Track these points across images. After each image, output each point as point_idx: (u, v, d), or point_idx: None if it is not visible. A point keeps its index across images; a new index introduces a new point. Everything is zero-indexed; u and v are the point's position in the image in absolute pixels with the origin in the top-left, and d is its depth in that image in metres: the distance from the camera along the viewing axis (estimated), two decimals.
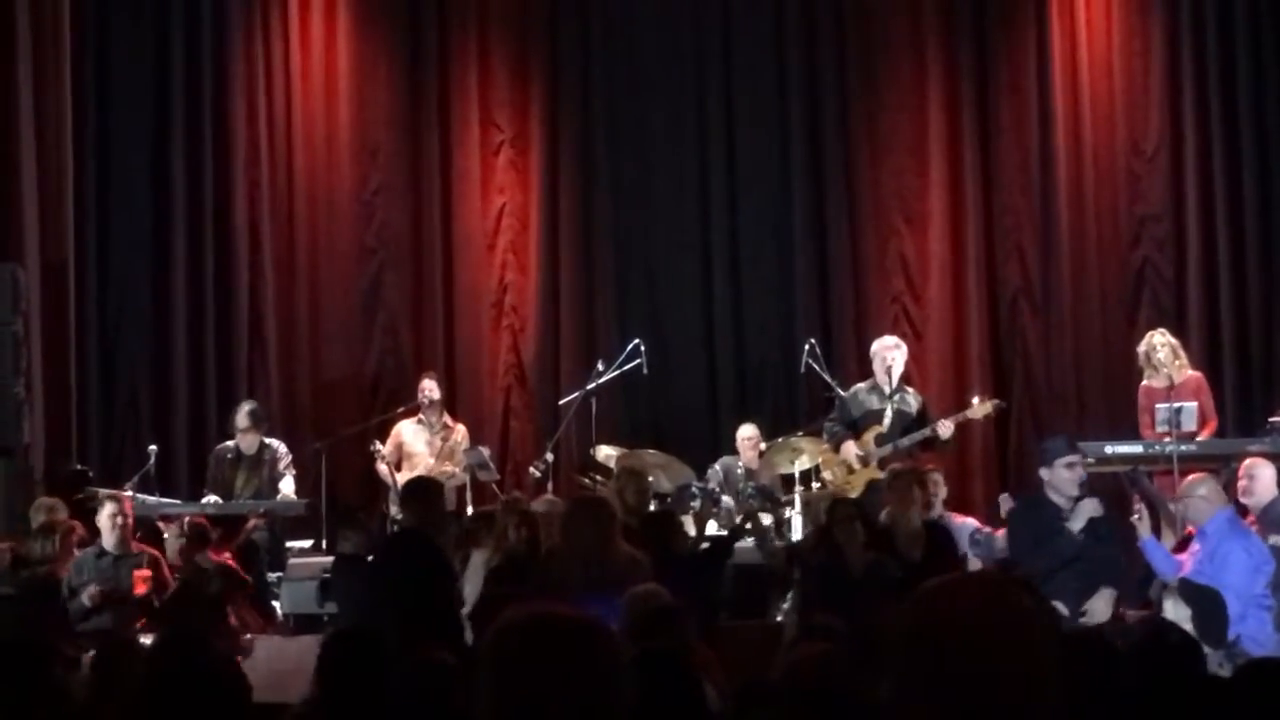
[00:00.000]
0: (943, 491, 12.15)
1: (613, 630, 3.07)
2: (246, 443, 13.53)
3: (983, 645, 2.63)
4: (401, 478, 13.65)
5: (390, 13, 15.90)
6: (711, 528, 12.24)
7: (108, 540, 11.25)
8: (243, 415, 13.59)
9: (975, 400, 13.52)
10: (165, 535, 11.84)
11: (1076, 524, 10.05)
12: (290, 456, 13.65)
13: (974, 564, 11.27)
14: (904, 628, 2.72)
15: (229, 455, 13.59)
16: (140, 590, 10.96)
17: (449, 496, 13.53)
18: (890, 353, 13.28)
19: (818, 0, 15.83)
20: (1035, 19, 15.51)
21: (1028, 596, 2.73)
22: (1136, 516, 10.91)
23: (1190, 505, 10.36)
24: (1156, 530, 11.70)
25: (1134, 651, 5.46)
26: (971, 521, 11.97)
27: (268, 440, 13.65)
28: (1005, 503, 11.85)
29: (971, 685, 2.62)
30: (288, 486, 13.44)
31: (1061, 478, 10.21)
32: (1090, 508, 10.16)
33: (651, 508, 11.40)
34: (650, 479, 11.98)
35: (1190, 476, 10.71)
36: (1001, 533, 11.62)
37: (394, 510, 13.35)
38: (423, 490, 9.73)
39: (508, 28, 15.95)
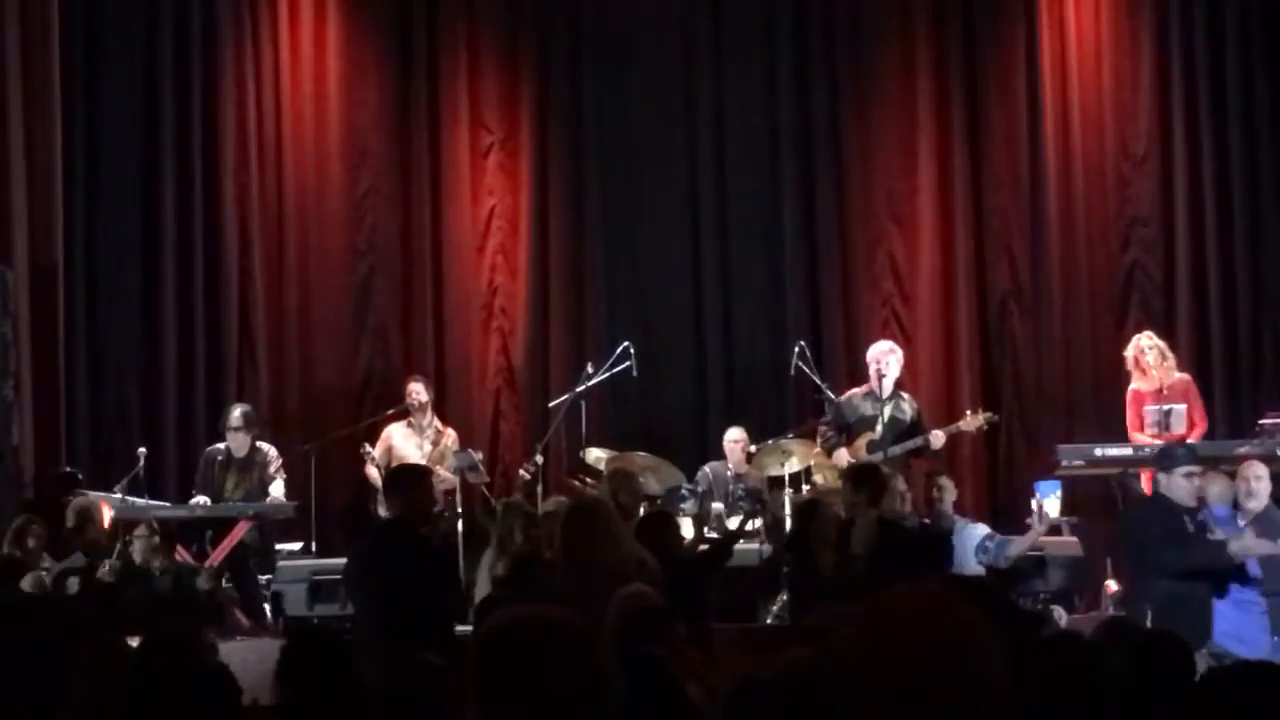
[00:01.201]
0: (951, 494, 12.11)
1: (596, 632, 3.08)
2: (237, 444, 13.51)
3: (916, 661, 2.62)
4: None
5: (380, 16, 15.89)
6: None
7: None
8: (236, 415, 13.58)
9: (968, 413, 13.54)
10: (131, 536, 11.79)
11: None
12: (280, 460, 13.63)
13: (976, 570, 11.22)
14: (842, 647, 2.71)
15: (219, 458, 13.57)
16: None
17: (437, 500, 13.56)
18: (885, 358, 13.32)
19: (808, 2, 15.85)
20: (1024, 21, 15.52)
21: (969, 607, 2.72)
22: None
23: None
24: None
25: (1124, 652, 5.45)
26: (982, 528, 11.90)
27: (258, 444, 13.64)
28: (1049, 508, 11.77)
29: (907, 699, 2.61)
30: (278, 490, 13.43)
31: (1179, 486, 10.09)
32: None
33: (642, 510, 11.41)
34: (641, 480, 11.97)
35: (1207, 474, 10.74)
36: (1027, 536, 11.62)
37: (383, 513, 13.34)
38: (406, 478, 9.56)
39: (497, 30, 15.95)
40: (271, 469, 13.51)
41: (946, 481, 11.98)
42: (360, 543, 9.74)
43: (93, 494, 12.77)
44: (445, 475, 13.65)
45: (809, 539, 10.23)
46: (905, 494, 11.53)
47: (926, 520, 11.51)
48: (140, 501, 12.96)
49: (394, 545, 9.00)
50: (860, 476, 10.77)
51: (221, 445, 13.62)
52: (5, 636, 5.01)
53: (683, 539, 10.84)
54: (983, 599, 4.77)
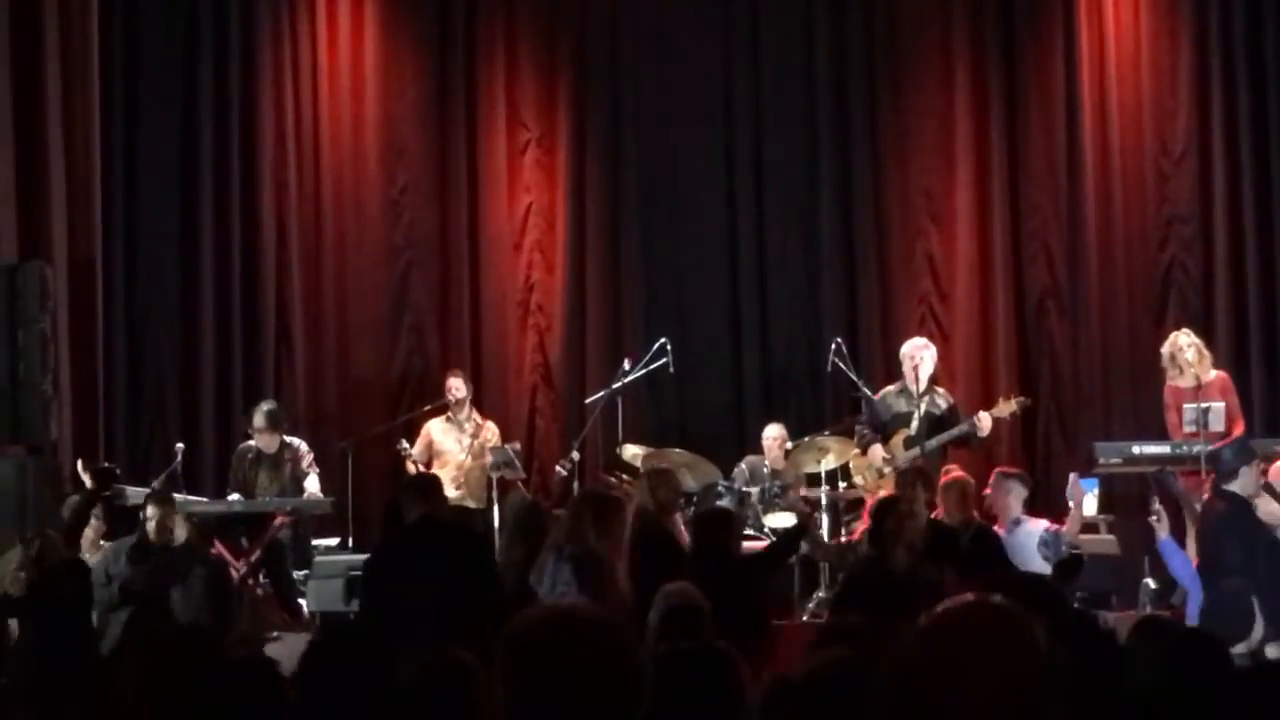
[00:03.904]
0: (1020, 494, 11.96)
1: (631, 627, 3.07)
2: (265, 443, 13.55)
3: (989, 684, 2.61)
4: None
5: (417, 12, 15.91)
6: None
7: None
8: (260, 416, 13.60)
9: (1001, 399, 13.51)
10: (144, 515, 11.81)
11: None
12: (312, 455, 13.66)
13: (1042, 566, 11.13)
14: (901, 659, 2.70)
15: (250, 455, 13.61)
16: None
17: (481, 484, 13.60)
18: (919, 353, 13.28)
19: (847, 0, 15.83)
20: (1062, 19, 15.47)
21: (1038, 627, 2.70)
22: (1155, 518, 10.87)
23: None
24: (1184, 530, 11.69)
25: (1160, 652, 5.42)
26: (1043, 523, 11.82)
27: (288, 439, 13.66)
28: (1075, 484, 11.69)
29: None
30: (313, 485, 13.46)
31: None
32: None
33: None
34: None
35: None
36: (1072, 520, 11.55)
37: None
38: (424, 490, 9.56)
39: (535, 27, 15.96)
40: (304, 464, 13.54)
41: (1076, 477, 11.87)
42: (390, 536, 9.76)
43: (130, 489, 12.81)
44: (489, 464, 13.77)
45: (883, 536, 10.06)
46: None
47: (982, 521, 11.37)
48: (178, 497, 12.98)
49: (429, 540, 9.01)
50: (926, 479, 10.76)
51: (252, 442, 13.66)
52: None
53: (741, 540, 10.77)
54: (1040, 601, 4.76)
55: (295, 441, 13.71)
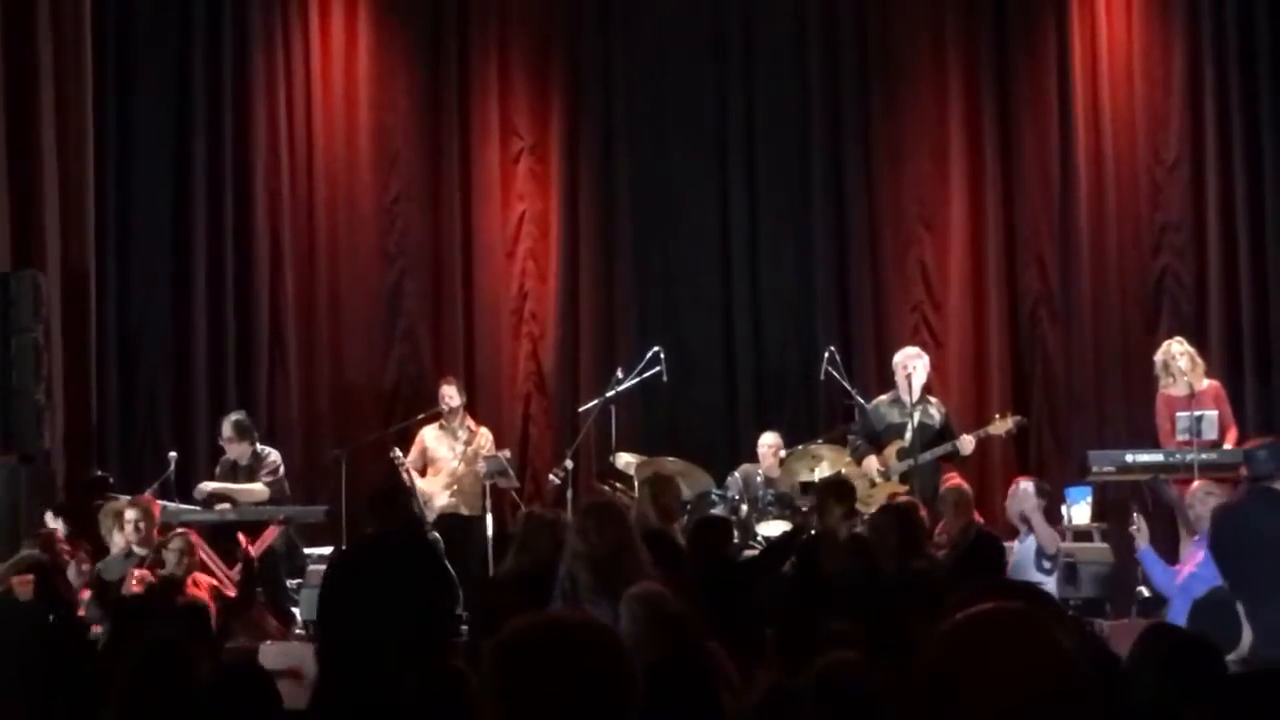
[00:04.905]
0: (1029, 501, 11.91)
1: (618, 634, 3.05)
2: (236, 453, 13.51)
3: (1016, 692, 2.61)
4: (426, 483, 13.71)
5: (411, 20, 15.92)
6: None
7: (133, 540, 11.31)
8: (227, 426, 13.56)
9: (997, 416, 13.50)
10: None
11: None
12: (277, 465, 13.57)
13: (1045, 580, 11.12)
14: (931, 661, 2.69)
15: (228, 467, 13.60)
16: (136, 588, 10.88)
17: (475, 492, 13.57)
18: (911, 362, 13.27)
19: (840, 7, 15.83)
20: (1056, 27, 15.49)
21: (1067, 635, 2.71)
22: (1135, 527, 10.86)
23: (1199, 509, 10.38)
24: (1177, 538, 11.69)
25: (1155, 661, 5.42)
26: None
27: (259, 449, 13.62)
28: (1022, 496, 11.69)
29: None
30: (258, 489, 13.36)
31: None
32: None
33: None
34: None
35: (1196, 483, 10.71)
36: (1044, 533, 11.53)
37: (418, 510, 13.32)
38: (384, 505, 9.53)
39: (529, 35, 15.97)
40: (264, 472, 13.47)
41: (1028, 487, 11.84)
42: (347, 551, 9.74)
43: (122, 497, 12.80)
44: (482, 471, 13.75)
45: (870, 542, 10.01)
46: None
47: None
48: (171, 505, 12.98)
49: (387, 553, 9.00)
50: (840, 491, 10.68)
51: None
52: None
53: (735, 546, 10.78)
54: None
55: (265, 451, 13.67)
